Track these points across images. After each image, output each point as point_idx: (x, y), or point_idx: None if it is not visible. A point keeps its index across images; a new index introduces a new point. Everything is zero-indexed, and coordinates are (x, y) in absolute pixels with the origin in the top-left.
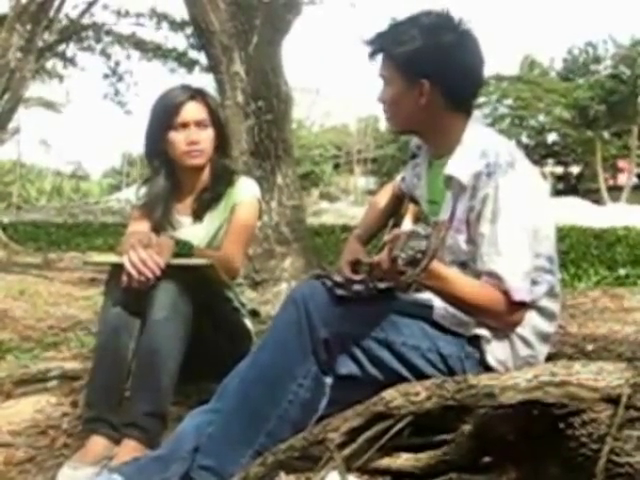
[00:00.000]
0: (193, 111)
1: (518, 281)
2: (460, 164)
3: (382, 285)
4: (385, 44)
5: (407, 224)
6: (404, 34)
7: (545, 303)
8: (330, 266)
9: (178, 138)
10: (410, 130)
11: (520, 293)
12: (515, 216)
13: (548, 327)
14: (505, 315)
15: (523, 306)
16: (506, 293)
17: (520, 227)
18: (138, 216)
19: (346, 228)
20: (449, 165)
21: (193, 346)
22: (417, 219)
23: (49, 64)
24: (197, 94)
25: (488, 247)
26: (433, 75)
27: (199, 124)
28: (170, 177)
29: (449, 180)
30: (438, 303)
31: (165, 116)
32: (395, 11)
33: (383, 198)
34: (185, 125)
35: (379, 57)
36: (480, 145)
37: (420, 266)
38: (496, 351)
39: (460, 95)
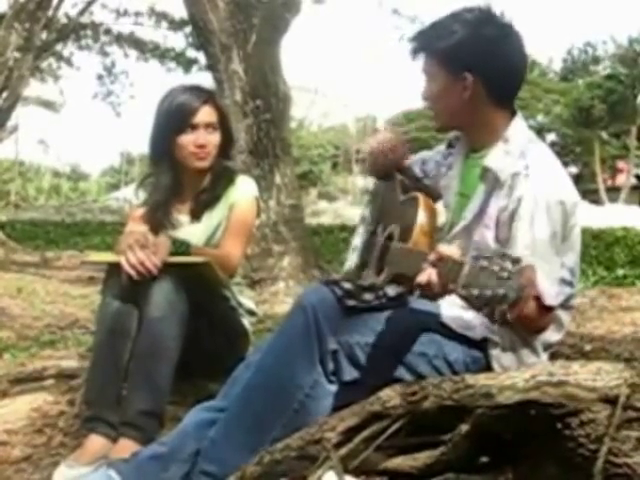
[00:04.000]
0: (205, 115)
1: (550, 286)
2: (500, 159)
3: (392, 292)
4: (426, 40)
5: (422, 217)
6: (445, 29)
7: (558, 314)
8: (328, 265)
9: (187, 140)
10: (454, 126)
11: (551, 298)
12: (550, 221)
13: (555, 337)
14: (536, 320)
15: (551, 311)
16: (538, 298)
17: (554, 232)
18: (139, 215)
19: (344, 228)
20: (489, 157)
21: (190, 345)
22: (431, 212)
23: (45, 63)
24: (210, 98)
25: (524, 250)
26: (475, 68)
27: (208, 127)
28: (174, 178)
29: (485, 172)
30: (445, 307)
31: (177, 120)
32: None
33: None
34: (194, 127)
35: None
36: (521, 145)
37: (511, 313)
38: (502, 356)
39: (502, 89)
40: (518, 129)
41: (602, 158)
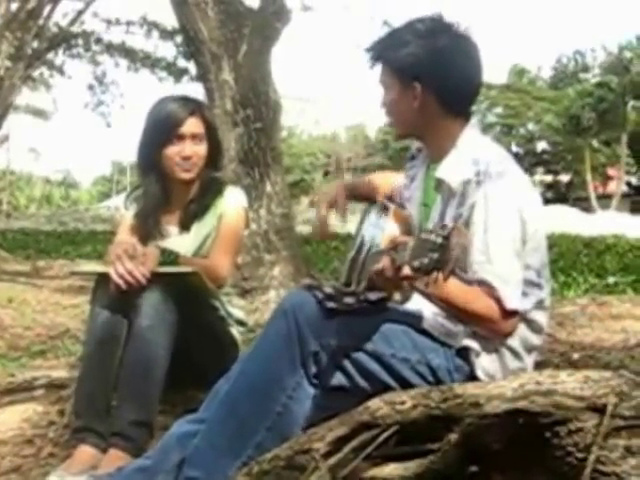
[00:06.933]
0: (191, 126)
1: (510, 289)
2: (451, 169)
3: (373, 297)
4: (381, 50)
5: (392, 228)
6: (398, 39)
7: (533, 316)
8: (319, 274)
9: (173, 151)
10: (410, 134)
11: (512, 301)
12: (505, 226)
13: (536, 339)
14: (498, 323)
15: (515, 315)
16: (499, 301)
17: (510, 237)
18: (128, 226)
19: (335, 236)
20: (440, 168)
21: (179, 355)
22: (404, 223)
23: (37, 72)
24: (197, 109)
25: (479, 256)
26: (425, 78)
27: (195, 138)
28: (162, 188)
29: (439, 183)
30: (427, 313)
31: (163, 131)
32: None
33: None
34: (180, 138)
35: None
36: (473, 152)
37: (442, 273)
38: (485, 364)
39: (455, 98)
40: (470, 136)
41: (593, 166)
